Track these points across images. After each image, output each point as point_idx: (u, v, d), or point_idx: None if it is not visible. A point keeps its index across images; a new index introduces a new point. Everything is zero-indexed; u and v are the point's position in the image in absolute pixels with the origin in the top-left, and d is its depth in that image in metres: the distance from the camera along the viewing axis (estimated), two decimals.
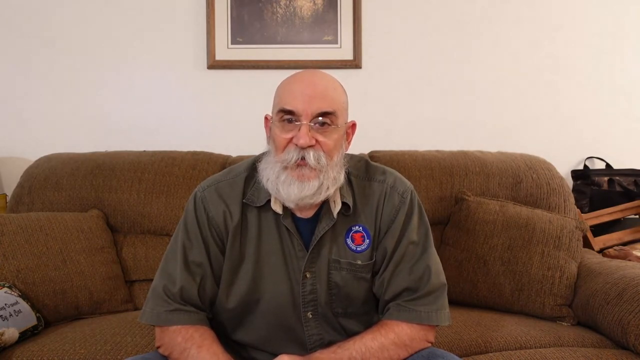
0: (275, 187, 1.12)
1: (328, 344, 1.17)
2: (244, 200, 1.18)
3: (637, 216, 2.20)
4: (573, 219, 1.79)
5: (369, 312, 1.23)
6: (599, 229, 2.18)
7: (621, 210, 2.17)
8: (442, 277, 1.18)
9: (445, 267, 1.29)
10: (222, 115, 2.45)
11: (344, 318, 1.20)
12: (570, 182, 2.40)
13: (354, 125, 1.22)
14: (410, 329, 1.12)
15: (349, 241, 1.18)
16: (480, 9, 2.48)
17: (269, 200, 1.16)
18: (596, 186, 2.31)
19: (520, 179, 1.99)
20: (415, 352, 1.12)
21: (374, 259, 1.18)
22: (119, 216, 1.93)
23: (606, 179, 2.32)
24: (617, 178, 2.31)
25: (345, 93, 1.19)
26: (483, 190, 1.97)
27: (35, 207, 1.91)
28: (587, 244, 2.04)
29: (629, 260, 1.88)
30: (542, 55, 2.48)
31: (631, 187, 2.27)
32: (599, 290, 1.54)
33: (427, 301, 1.13)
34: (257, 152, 1.26)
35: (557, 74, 2.48)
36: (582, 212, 2.19)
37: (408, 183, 1.23)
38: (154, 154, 2.05)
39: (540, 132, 2.48)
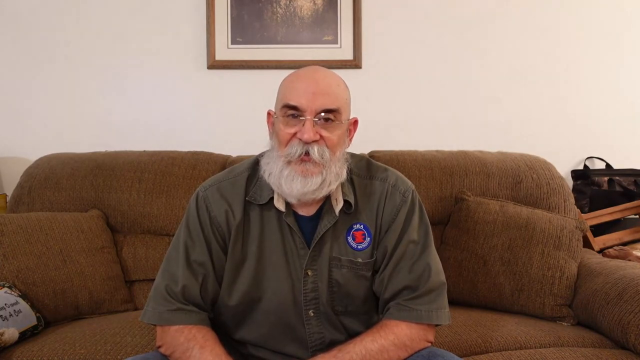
0: (278, 182, 1.12)
1: (329, 342, 1.17)
2: (246, 199, 1.19)
3: (637, 216, 2.20)
4: (573, 219, 1.79)
5: (369, 311, 1.24)
6: (599, 229, 2.18)
7: (621, 210, 2.17)
8: (442, 276, 1.18)
9: (445, 267, 1.29)
10: (222, 115, 2.46)
11: (345, 316, 1.20)
12: (570, 182, 2.40)
13: (355, 122, 1.23)
14: (410, 329, 1.12)
15: (350, 239, 1.18)
16: (480, 10, 2.48)
17: (272, 198, 1.17)
18: (596, 186, 2.31)
19: (520, 179, 1.99)
20: (415, 352, 1.12)
21: (374, 258, 1.19)
22: (119, 216, 1.93)
23: (606, 179, 2.32)
24: (617, 178, 2.31)
25: (348, 90, 1.20)
26: (483, 190, 1.97)
27: (35, 207, 1.91)
28: (587, 244, 2.04)
29: (629, 260, 1.88)
30: (542, 55, 2.49)
31: (631, 187, 2.27)
32: (599, 290, 1.54)
33: (427, 300, 1.14)
34: (257, 152, 1.26)
35: (557, 74, 2.48)
36: (582, 212, 2.19)
37: (409, 182, 1.24)
38: (154, 154, 2.05)
39: (540, 132, 2.48)
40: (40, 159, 2.06)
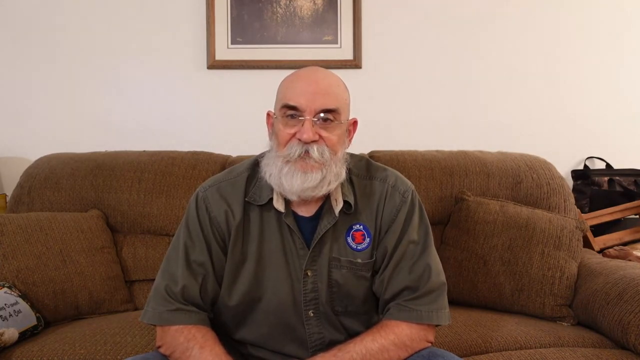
0: (278, 181, 1.12)
1: (329, 343, 1.17)
2: (246, 199, 1.18)
3: (637, 216, 2.20)
4: (573, 219, 1.79)
5: (369, 311, 1.24)
6: (599, 229, 2.18)
7: (621, 210, 2.17)
8: (442, 277, 1.18)
9: (445, 267, 1.29)
10: (222, 115, 2.45)
11: (345, 317, 1.20)
12: (570, 182, 2.40)
13: (355, 123, 1.23)
14: (410, 329, 1.12)
15: (349, 240, 1.18)
16: (480, 10, 2.48)
17: (271, 199, 1.17)
18: (596, 186, 2.31)
19: (521, 179, 1.99)
20: (416, 352, 1.12)
21: (374, 258, 1.19)
22: (119, 216, 1.93)
23: (606, 179, 2.32)
24: (617, 178, 2.31)
25: (347, 90, 1.20)
26: (483, 190, 1.97)
27: (34, 207, 1.91)
28: (587, 244, 2.03)
29: (629, 260, 1.88)
30: (542, 55, 2.49)
31: (631, 187, 2.27)
32: (599, 290, 1.54)
33: (427, 300, 1.14)
34: (257, 152, 1.26)
35: (557, 74, 2.48)
36: (582, 212, 2.19)
37: (409, 183, 1.24)
38: (154, 154, 2.05)
39: (541, 132, 2.48)
40: (40, 159, 2.06)
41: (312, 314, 1.17)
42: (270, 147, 1.18)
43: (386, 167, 1.26)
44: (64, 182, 1.94)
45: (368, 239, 1.18)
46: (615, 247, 2.04)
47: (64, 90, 2.41)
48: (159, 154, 2.04)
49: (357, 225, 1.19)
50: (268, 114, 1.22)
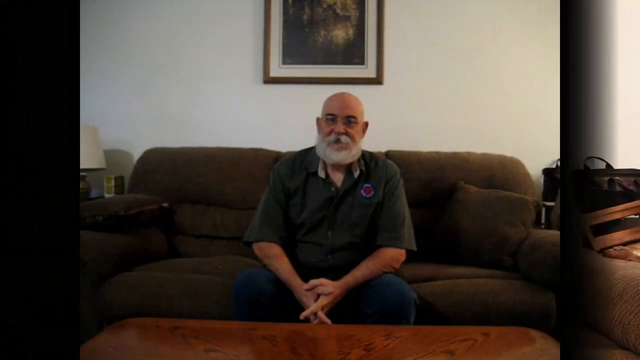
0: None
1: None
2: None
3: (637, 216, 2.14)
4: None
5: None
6: (599, 229, 2.12)
7: (621, 210, 2.12)
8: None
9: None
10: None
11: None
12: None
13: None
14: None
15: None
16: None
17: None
18: (596, 186, 2.32)
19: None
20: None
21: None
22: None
23: (606, 179, 2.32)
24: (617, 178, 2.30)
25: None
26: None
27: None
28: (587, 244, 2.04)
29: (629, 260, 1.87)
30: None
31: (631, 187, 2.21)
32: (599, 291, 1.54)
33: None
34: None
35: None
36: (582, 212, 2.20)
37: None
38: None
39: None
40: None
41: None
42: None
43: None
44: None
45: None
46: (615, 247, 2.02)
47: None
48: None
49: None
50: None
